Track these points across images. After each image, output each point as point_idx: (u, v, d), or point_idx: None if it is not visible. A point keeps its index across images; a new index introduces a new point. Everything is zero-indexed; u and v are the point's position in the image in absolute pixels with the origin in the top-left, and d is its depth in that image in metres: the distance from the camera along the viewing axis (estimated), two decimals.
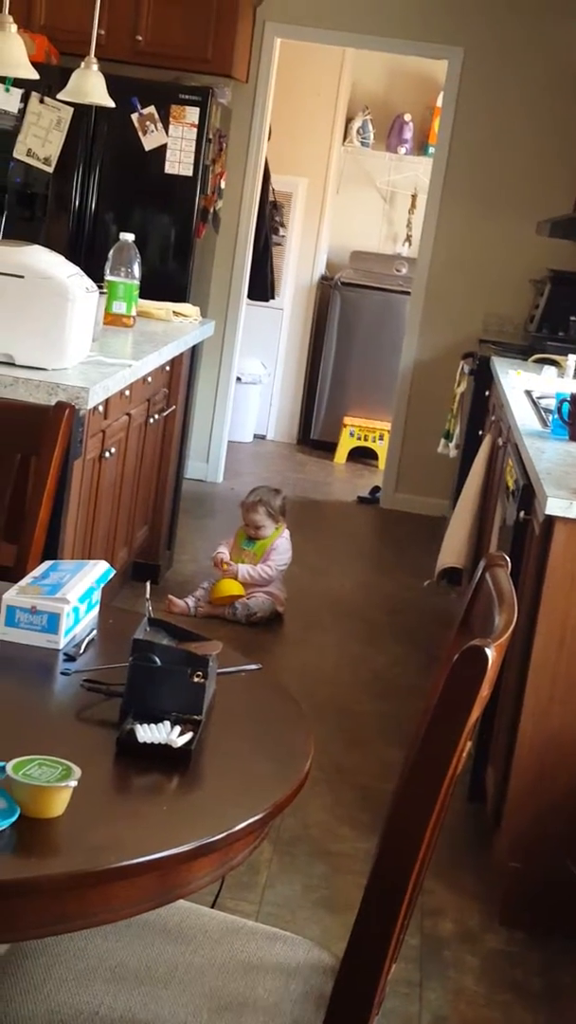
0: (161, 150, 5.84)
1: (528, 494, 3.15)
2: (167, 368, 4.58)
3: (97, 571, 2.10)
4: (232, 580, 4.81)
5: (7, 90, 5.78)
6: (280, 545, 4.94)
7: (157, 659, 1.69)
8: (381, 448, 7.67)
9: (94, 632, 2.02)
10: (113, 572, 2.16)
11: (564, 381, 4.75)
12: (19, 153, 5.86)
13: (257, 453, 7.81)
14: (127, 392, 3.86)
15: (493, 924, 2.96)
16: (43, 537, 2.51)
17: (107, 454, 3.75)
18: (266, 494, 4.98)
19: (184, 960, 1.76)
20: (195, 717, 1.69)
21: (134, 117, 5.80)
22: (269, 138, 6.82)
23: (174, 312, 4.82)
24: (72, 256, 4.08)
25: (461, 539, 4.77)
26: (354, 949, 1.58)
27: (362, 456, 7.97)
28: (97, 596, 2.08)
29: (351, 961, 1.58)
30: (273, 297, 7.74)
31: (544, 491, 2.86)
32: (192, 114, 5.79)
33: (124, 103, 5.57)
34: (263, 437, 8.24)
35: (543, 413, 3.96)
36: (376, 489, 7.02)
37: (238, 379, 7.24)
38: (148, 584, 2.17)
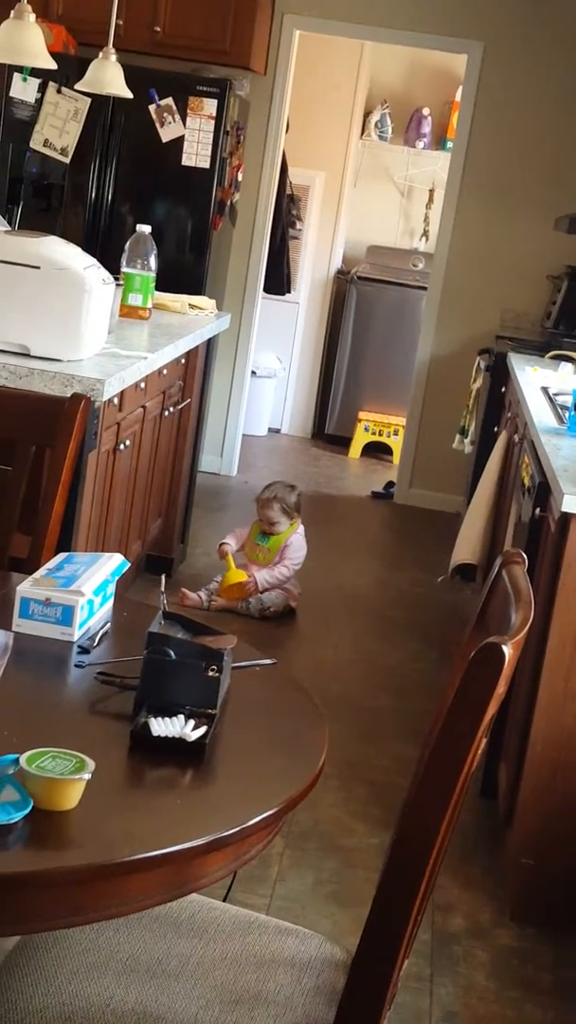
0: (178, 142, 5.83)
1: (544, 491, 3.14)
2: (182, 361, 4.58)
3: (112, 564, 2.09)
4: (234, 569, 4.81)
5: (24, 80, 5.78)
6: (295, 541, 4.93)
7: (172, 652, 1.69)
8: (396, 443, 7.65)
9: (108, 625, 2.02)
10: (128, 565, 2.16)
11: None
12: (36, 143, 5.86)
13: (271, 447, 7.81)
14: (142, 384, 3.85)
15: (504, 920, 2.96)
16: (57, 529, 2.51)
17: (122, 446, 3.75)
18: (281, 490, 4.96)
19: (196, 954, 1.76)
20: (209, 711, 1.69)
21: (151, 108, 5.79)
22: (287, 131, 6.81)
23: (190, 305, 4.81)
24: (88, 247, 4.08)
25: (476, 535, 4.76)
26: (367, 944, 1.57)
27: (377, 451, 7.95)
28: (111, 589, 2.08)
29: (364, 956, 1.58)
30: (289, 291, 7.73)
31: (560, 488, 2.85)
32: (210, 106, 5.78)
33: (142, 94, 5.57)
34: (278, 431, 8.23)
35: (560, 410, 3.94)
36: (390, 484, 7.01)
37: (253, 373, 7.24)
38: (163, 577, 2.16)
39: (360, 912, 1.61)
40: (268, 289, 7.07)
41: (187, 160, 5.85)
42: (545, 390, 4.37)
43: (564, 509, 2.80)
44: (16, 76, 5.78)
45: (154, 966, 1.72)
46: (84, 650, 1.91)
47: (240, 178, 6.35)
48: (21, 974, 1.68)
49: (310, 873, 3.05)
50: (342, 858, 3.14)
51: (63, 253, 3.29)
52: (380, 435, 7.93)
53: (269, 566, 4.86)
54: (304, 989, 1.73)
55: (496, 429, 5.15)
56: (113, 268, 3.80)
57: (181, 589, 4.80)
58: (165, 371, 4.22)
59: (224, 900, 1.96)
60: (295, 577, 4.92)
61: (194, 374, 4.79)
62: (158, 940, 1.77)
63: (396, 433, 7.71)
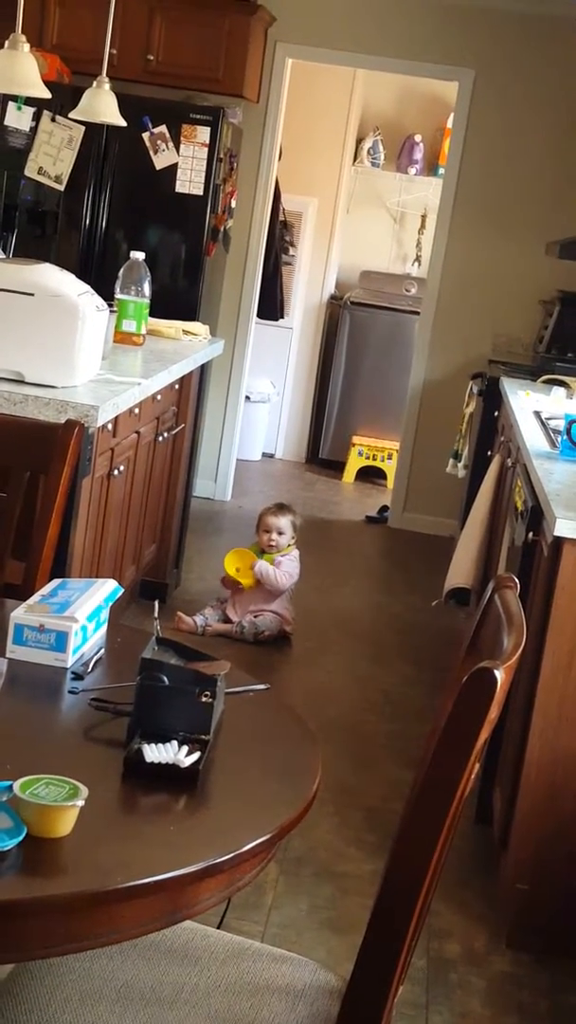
0: (172, 169, 5.86)
1: (537, 515, 3.14)
2: (176, 386, 4.59)
3: (105, 590, 2.10)
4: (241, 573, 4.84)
5: (19, 108, 5.81)
6: (287, 562, 4.91)
7: (165, 678, 1.69)
8: (390, 468, 7.67)
9: (102, 651, 2.02)
10: (121, 591, 2.16)
11: (573, 402, 4.75)
12: (30, 171, 5.89)
13: (265, 472, 7.82)
14: (136, 410, 3.86)
15: (500, 946, 2.95)
16: (51, 555, 2.51)
17: (116, 472, 3.75)
18: (291, 509, 5.00)
19: (190, 981, 1.76)
20: (203, 737, 1.69)
21: (145, 136, 5.82)
22: (280, 158, 6.85)
23: (184, 331, 4.83)
24: (82, 274, 4.09)
25: (469, 559, 4.77)
26: (361, 970, 1.57)
27: (371, 475, 7.97)
28: (105, 615, 2.08)
29: (358, 983, 1.57)
30: (282, 316, 7.75)
31: (553, 512, 2.86)
32: (203, 133, 5.81)
33: (135, 122, 5.60)
34: (272, 456, 8.24)
35: (552, 434, 3.96)
36: (384, 508, 7.02)
37: (247, 398, 7.25)
38: (156, 603, 2.17)
39: (355, 939, 1.60)
40: (261, 314, 7.09)
41: (180, 187, 5.87)
42: (538, 414, 4.38)
43: (557, 533, 2.81)
44: (11, 105, 5.81)
45: (148, 994, 1.71)
46: (78, 676, 1.91)
47: (233, 205, 6.38)
48: (15, 1002, 1.67)
49: (304, 900, 3.04)
50: (337, 884, 3.13)
51: (57, 280, 3.31)
52: (374, 459, 7.95)
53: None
54: (299, 1017, 1.72)
55: (489, 453, 5.16)
56: (107, 295, 3.81)
57: (178, 612, 4.80)
58: (159, 397, 4.23)
59: (218, 927, 1.95)
60: (288, 601, 4.91)
61: (188, 399, 4.80)
62: (152, 968, 1.77)
63: (390, 457, 7.73)
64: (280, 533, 4.90)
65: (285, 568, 4.88)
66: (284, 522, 4.92)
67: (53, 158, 5.86)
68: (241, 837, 1.53)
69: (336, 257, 8.32)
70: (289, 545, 4.94)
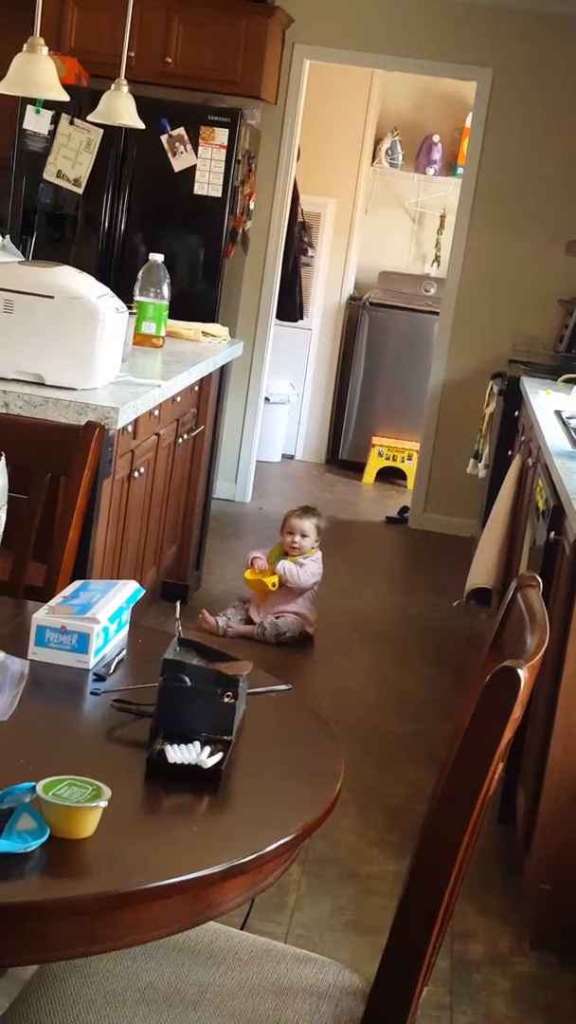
0: (190, 171, 5.86)
1: (558, 515, 3.13)
2: (196, 388, 4.59)
3: (127, 591, 2.10)
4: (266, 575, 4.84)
5: (37, 112, 5.82)
6: (308, 563, 4.90)
7: (187, 679, 1.69)
8: (410, 468, 7.66)
9: (124, 652, 2.02)
10: (143, 592, 2.16)
11: None
12: (49, 174, 5.90)
13: (285, 473, 7.81)
14: (156, 412, 3.87)
15: (524, 947, 2.94)
16: (72, 557, 2.52)
17: (136, 474, 3.76)
18: (316, 512, 5.00)
19: (214, 982, 1.75)
20: (225, 737, 1.69)
21: (163, 138, 5.83)
22: (298, 159, 6.84)
23: (203, 332, 4.83)
24: (102, 277, 4.10)
25: (491, 559, 4.76)
26: (386, 971, 1.56)
27: (391, 476, 7.95)
28: (127, 616, 2.08)
29: (383, 984, 1.57)
30: (302, 317, 7.75)
31: (575, 512, 2.85)
32: (221, 135, 5.81)
33: (153, 125, 5.60)
34: (291, 457, 8.24)
35: (573, 433, 3.94)
36: (405, 509, 7.00)
37: (267, 399, 7.25)
38: (178, 604, 2.17)
39: (378, 940, 1.60)
40: (281, 316, 7.09)
41: (199, 189, 5.88)
42: (558, 413, 4.37)
43: None
44: (29, 108, 5.82)
45: (172, 995, 1.71)
46: (100, 677, 1.91)
47: (252, 206, 6.38)
48: (39, 1004, 1.67)
49: (328, 901, 3.04)
50: (360, 885, 3.13)
51: (76, 283, 3.31)
52: (394, 460, 7.93)
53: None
54: (323, 1018, 1.72)
55: (510, 453, 5.15)
56: (126, 297, 3.82)
57: (202, 611, 4.81)
58: (179, 398, 4.23)
59: (242, 928, 1.95)
60: (311, 602, 4.91)
61: (208, 401, 4.81)
62: (176, 969, 1.77)
63: (410, 458, 7.71)
64: (304, 536, 4.90)
65: (308, 569, 4.88)
66: (308, 525, 4.92)
67: (72, 161, 5.87)
68: (264, 838, 1.53)
69: (355, 258, 8.31)
70: (312, 548, 4.94)
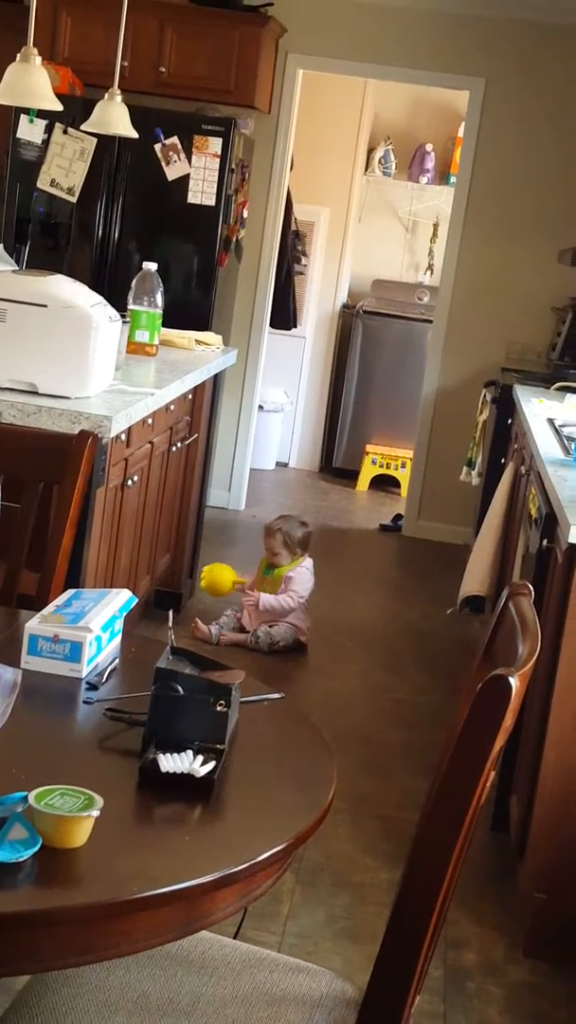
0: (184, 180, 5.87)
1: (551, 522, 3.14)
2: (189, 396, 4.60)
3: (119, 600, 2.10)
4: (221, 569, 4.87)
5: (31, 121, 5.83)
6: (297, 575, 4.91)
7: (180, 688, 1.69)
8: (403, 476, 7.66)
9: (116, 661, 2.02)
10: (135, 601, 2.16)
11: None
12: (43, 183, 5.91)
13: (279, 481, 7.82)
14: (150, 420, 3.87)
15: (517, 955, 2.94)
16: (65, 565, 2.51)
17: (129, 482, 3.76)
18: (288, 524, 4.97)
19: (207, 992, 1.75)
20: (218, 746, 1.69)
21: (157, 147, 5.84)
22: (291, 168, 6.86)
23: (197, 341, 4.84)
24: (95, 285, 4.11)
25: (484, 567, 4.76)
26: (378, 980, 1.56)
27: (384, 484, 7.96)
28: (119, 625, 2.08)
29: (375, 992, 1.57)
30: (295, 326, 7.76)
31: (567, 520, 2.86)
32: (215, 144, 5.83)
33: (147, 134, 5.61)
34: (285, 465, 8.24)
35: (566, 441, 3.95)
36: (398, 517, 7.01)
37: (260, 407, 7.26)
38: (171, 613, 2.16)
39: (372, 948, 1.60)
40: (274, 324, 7.10)
41: (193, 198, 5.89)
42: (551, 421, 4.38)
43: (571, 540, 2.81)
44: (23, 118, 5.83)
45: (165, 1005, 1.71)
46: (92, 686, 1.91)
47: (245, 215, 6.39)
48: (31, 1014, 1.67)
49: (321, 909, 3.04)
50: (353, 894, 3.12)
51: (70, 291, 3.31)
52: (387, 468, 7.94)
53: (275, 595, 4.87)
54: None
55: (503, 461, 5.16)
56: (120, 305, 3.82)
57: (195, 619, 4.81)
58: (172, 407, 4.23)
59: (235, 937, 1.95)
60: (303, 611, 4.91)
61: (201, 409, 4.81)
62: (169, 978, 1.77)
63: (403, 466, 7.72)
64: (274, 553, 4.92)
65: (294, 584, 4.88)
66: (276, 543, 4.92)
67: (65, 170, 5.88)
68: (257, 846, 1.53)
69: (348, 266, 8.33)
70: (294, 559, 4.93)
